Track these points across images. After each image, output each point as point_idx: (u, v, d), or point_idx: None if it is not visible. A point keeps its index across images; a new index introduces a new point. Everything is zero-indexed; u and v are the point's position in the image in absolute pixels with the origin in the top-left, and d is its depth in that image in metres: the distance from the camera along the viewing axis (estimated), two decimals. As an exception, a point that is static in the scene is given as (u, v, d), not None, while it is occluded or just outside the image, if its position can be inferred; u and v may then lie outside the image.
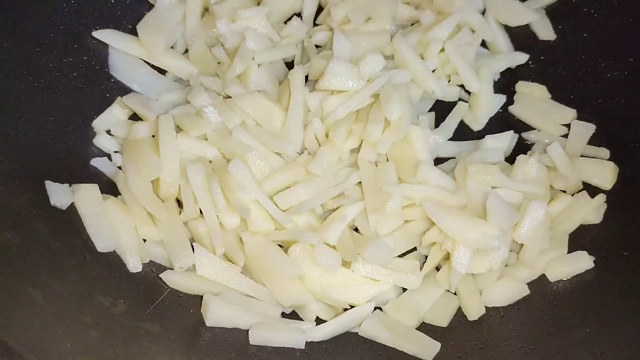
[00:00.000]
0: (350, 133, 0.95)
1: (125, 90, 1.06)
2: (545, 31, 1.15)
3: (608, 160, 1.01)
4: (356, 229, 0.95)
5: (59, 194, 0.89)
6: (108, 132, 1.02)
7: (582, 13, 1.13)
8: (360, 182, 0.94)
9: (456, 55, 1.03)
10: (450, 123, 1.06)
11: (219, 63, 1.07)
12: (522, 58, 1.12)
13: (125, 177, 0.94)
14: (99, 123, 1.01)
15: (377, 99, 0.95)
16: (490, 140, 1.02)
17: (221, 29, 1.05)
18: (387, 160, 0.95)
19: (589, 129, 1.05)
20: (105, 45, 1.06)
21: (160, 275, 0.90)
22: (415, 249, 0.96)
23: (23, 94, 0.95)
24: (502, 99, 1.09)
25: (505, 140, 1.02)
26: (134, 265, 0.89)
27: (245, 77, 1.02)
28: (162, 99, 1.02)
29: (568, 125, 1.06)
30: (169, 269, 0.91)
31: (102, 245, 0.88)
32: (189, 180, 0.90)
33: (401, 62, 1.02)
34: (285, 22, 1.11)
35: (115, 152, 1.01)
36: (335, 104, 0.97)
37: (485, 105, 1.05)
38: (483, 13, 1.13)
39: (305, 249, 0.89)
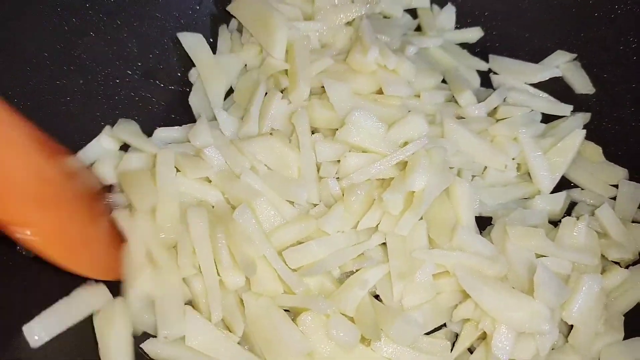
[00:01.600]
0: (370, 201, 0.82)
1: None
2: (582, 84, 1.06)
3: (666, 229, 0.88)
4: (377, 296, 0.82)
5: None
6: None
7: (629, 62, 1.03)
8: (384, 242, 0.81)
9: (532, 149, 0.92)
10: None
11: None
12: (565, 109, 1.02)
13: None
14: (85, 153, 0.89)
15: (404, 168, 0.83)
16: (540, 200, 0.90)
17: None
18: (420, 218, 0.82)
19: (640, 190, 0.93)
20: (103, 68, 0.95)
21: (141, 346, 0.76)
22: (443, 324, 0.82)
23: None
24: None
25: (558, 201, 0.90)
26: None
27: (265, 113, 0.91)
28: (156, 135, 0.91)
29: (617, 186, 0.95)
30: (152, 336, 0.77)
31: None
32: (189, 228, 0.78)
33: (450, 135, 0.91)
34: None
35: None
36: (353, 165, 0.84)
37: (543, 177, 0.93)
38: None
39: (317, 319, 0.76)
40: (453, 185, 0.83)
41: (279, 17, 0.96)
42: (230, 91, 1.03)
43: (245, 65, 1.03)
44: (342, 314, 0.76)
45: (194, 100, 1.00)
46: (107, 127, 0.92)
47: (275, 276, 0.78)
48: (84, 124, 0.92)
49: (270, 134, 0.89)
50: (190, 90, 1.02)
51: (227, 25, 1.09)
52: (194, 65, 1.03)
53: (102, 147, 0.91)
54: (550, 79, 1.07)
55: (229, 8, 1.04)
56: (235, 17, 1.08)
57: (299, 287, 0.77)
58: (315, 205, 0.85)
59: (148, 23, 1.02)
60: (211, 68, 1.00)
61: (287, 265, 0.78)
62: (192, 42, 1.02)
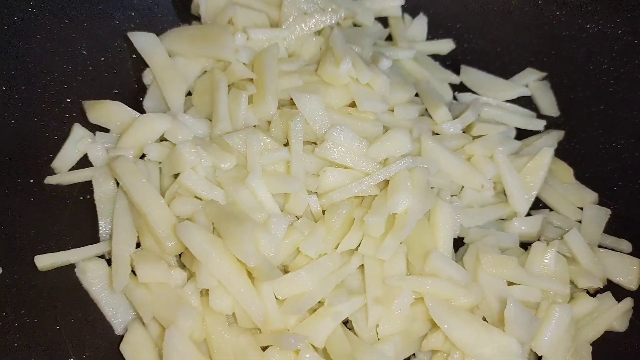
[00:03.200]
0: (350, 221, 0.80)
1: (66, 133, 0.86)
2: (548, 106, 1.06)
3: (631, 255, 0.88)
4: (345, 322, 0.78)
5: None
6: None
7: (599, 83, 1.03)
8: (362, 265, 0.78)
9: (509, 169, 0.91)
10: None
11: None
12: (538, 124, 1.03)
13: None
14: (62, 160, 0.84)
15: (386, 186, 0.80)
16: (517, 223, 0.89)
17: (240, 40, 0.93)
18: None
19: (604, 214, 0.93)
20: (48, 72, 0.86)
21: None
22: (412, 354, 0.80)
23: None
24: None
25: (535, 224, 0.89)
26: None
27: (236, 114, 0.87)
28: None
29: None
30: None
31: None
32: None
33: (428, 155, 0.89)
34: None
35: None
36: (333, 181, 0.81)
37: (519, 198, 0.92)
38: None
39: (286, 354, 0.71)
40: (435, 208, 0.81)
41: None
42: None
43: (205, 71, 0.97)
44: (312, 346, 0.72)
45: (148, 104, 0.93)
46: (77, 125, 0.86)
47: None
48: (27, 134, 0.83)
49: (255, 126, 0.85)
50: (144, 93, 0.94)
51: (189, 25, 1.02)
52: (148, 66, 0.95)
53: (78, 149, 0.85)
54: (519, 97, 1.07)
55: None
56: (197, 19, 1.01)
57: (280, 324, 0.73)
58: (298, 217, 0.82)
59: (100, 23, 0.93)
60: (168, 71, 0.93)
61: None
62: (146, 43, 0.94)
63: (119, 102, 0.87)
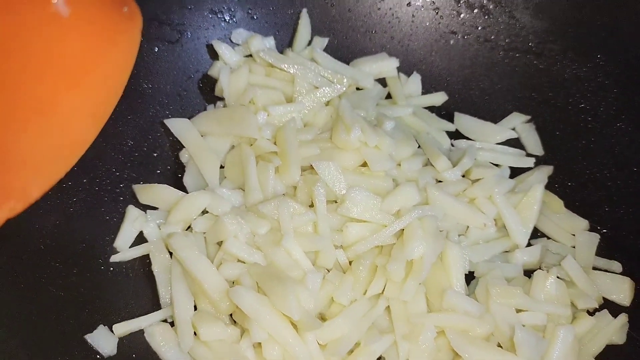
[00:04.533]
0: (374, 268, 0.92)
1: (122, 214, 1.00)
2: (533, 146, 1.17)
3: (622, 274, 1.00)
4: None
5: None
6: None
7: (578, 120, 1.15)
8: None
9: (507, 208, 1.03)
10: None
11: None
12: (528, 162, 1.15)
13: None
14: (123, 240, 0.98)
15: (401, 234, 0.93)
16: (519, 254, 1.00)
17: (261, 119, 1.06)
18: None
19: (594, 239, 1.05)
20: (104, 163, 1.01)
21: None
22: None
23: None
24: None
25: (536, 253, 1.01)
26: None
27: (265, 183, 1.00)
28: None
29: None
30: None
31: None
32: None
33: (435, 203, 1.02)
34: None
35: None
36: (356, 235, 0.94)
37: (518, 232, 1.03)
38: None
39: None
40: (445, 250, 0.93)
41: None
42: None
43: (233, 146, 1.10)
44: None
45: (188, 180, 1.07)
46: (131, 206, 1.00)
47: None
48: (91, 220, 0.97)
49: (284, 194, 0.99)
50: (183, 170, 1.08)
51: (214, 106, 1.17)
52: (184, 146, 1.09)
53: (134, 227, 0.99)
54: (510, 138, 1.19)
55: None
56: (221, 99, 1.16)
57: None
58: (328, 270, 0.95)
59: (140, 114, 1.08)
60: (202, 150, 1.07)
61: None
62: (180, 127, 1.08)
63: (164, 184, 1.02)
